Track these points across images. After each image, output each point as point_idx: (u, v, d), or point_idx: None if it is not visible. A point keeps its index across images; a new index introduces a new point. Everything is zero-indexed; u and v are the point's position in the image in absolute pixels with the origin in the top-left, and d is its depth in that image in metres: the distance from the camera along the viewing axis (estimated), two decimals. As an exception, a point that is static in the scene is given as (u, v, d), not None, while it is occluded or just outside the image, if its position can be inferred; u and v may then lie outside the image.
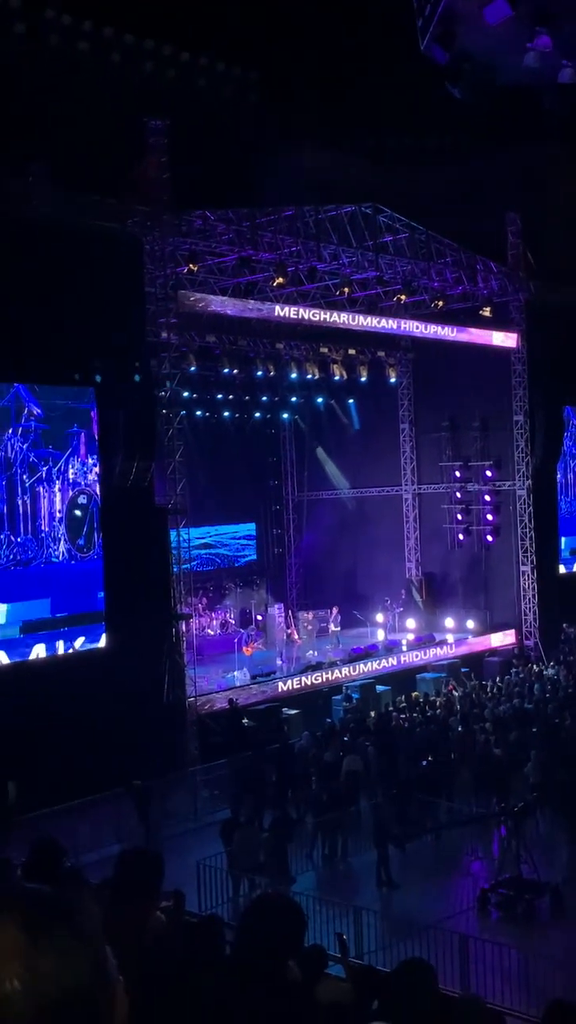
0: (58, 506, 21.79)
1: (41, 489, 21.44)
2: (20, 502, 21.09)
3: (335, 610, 35.38)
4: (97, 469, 22.53)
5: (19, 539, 21.23)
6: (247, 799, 20.58)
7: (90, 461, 22.17)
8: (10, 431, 20.80)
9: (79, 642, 22.19)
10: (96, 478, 22.61)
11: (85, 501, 22.10)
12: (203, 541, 36.03)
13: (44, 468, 21.43)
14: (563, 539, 37.18)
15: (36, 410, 21.24)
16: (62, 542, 21.89)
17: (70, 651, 22.98)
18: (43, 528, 21.67)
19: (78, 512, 22.03)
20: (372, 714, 26.42)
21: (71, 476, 21.86)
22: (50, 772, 20.16)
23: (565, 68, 10.58)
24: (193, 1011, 3.40)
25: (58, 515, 21.91)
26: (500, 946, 13.60)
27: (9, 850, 11.93)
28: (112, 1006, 1.14)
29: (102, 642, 23.43)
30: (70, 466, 21.93)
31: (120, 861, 4.26)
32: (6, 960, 1.08)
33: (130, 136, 24.85)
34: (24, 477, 21.05)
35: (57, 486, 21.69)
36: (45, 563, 21.54)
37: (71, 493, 21.96)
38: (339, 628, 34.94)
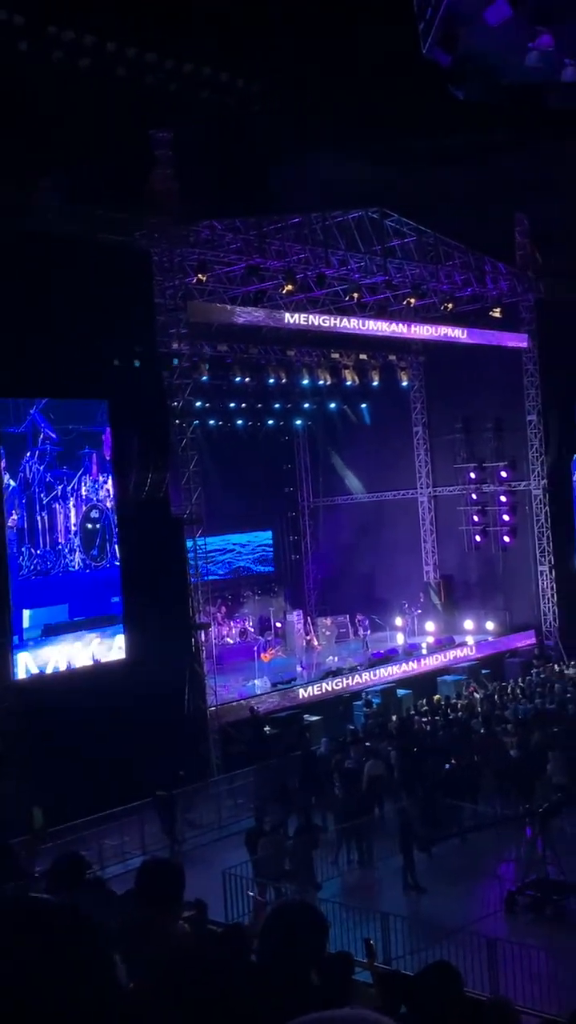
0: (73, 520, 23.20)
1: (57, 506, 22.88)
2: (39, 518, 22.53)
3: (359, 616, 35.38)
4: (108, 485, 23.69)
5: (39, 551, 22.57)
6: (271, 807, 20.56)
7: (101, 479, 23.58)
8: (28, 455, 22.29)
9: (94, 643, 23.24)
10: (107, 494, 23.77)
11: (97, 515, 23.61)
12: (220, 549, 36.08)
13: (59, 487, 22.87)
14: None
15: (51, 435, 22.62)
16: (77, 553, 23.24)
17: (90, 664, 23.25)
18: (60, 541, 23.03)
19: (90, 525, 23.47)
20: (394, 718, 26.37)
21: (83, 493, 23.33)
22: (75, 784, 20.20)
23: (568, 67, 10.55)
24: (217, 1020, 3.40)
25: (73, 528, 23.24)
26: (529, 948, 13.52)
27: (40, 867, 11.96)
28: (120, 1014, 1.15)
29: (116, 647, 23.70)
30: (82, 484, 23.33)
31: (141, 872, 4.27)
32: (19, 969, 1.09)
33: (136, 149, 24.94)
34: (42, 495, 22.58)
35: (71, 502, 23.12)
36: (62, 572, 22.97)
37: (84, 508, 23.36)
38: (368, 632, 34.90)
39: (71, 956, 1.10)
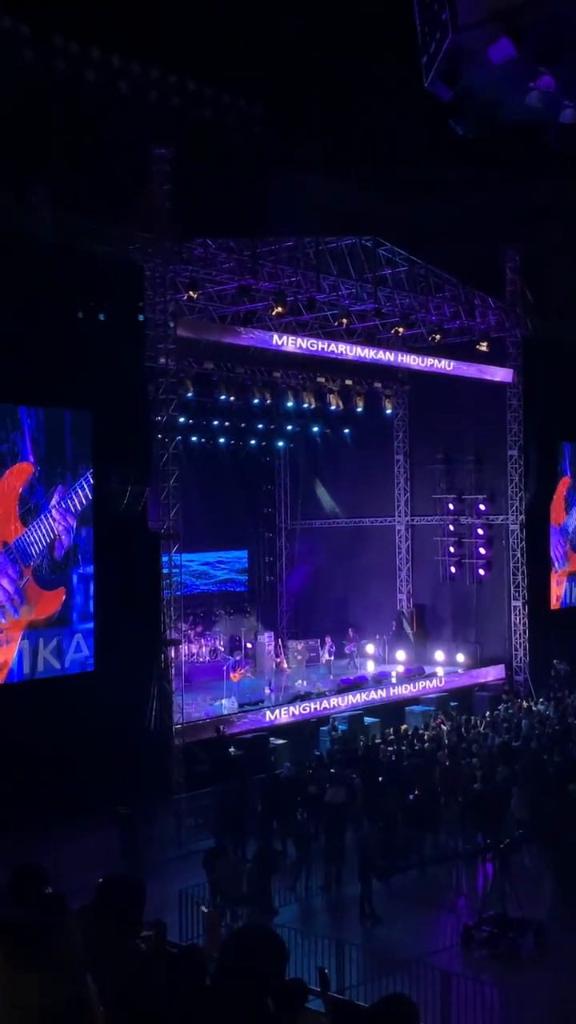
0: (43, 532, 23.81)
1: (30, 518, 23.62)
2: (13, 528, 23.20)
3: (328, 640, 35.35)
4: (77, 503, 24.22)
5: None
6: (231, 829, 20.42)
7: (73, 496, 24.22)
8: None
9: (55, 641, 23.73)
10: (76, 510, 24.23)
11: (63, 528, 24.24)
12: (195, 565, 36.02)
13: (33, 501, 23.63)
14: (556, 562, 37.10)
15: (29, 457, 23.42)
16: (45, 561, 23.82)
17: (56, 669, 23.36)
18: (32, 551, 23.57)
19: (60, 537, 24.12)
20: (360, 745, 26.27)
21: (53, 510, 24.05)
22: (35, 797, 20.02)
23: (567, 108, 10.65)
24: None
25: (44, 540, 23.77)
26: (482, 983, 13.48)
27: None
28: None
29: (75, 645, 23.83)
30: (53, 499, 24.00)
31: (101, 888, 4.22)
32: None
33: (134, 163, 24.99)
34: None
35: (43, 516, 23.76)
36: (32, 578, 23.63)
37: (55, 523, 23.98)
38: (332, 658, 34.89)
39: (49, 973, 1.09)
